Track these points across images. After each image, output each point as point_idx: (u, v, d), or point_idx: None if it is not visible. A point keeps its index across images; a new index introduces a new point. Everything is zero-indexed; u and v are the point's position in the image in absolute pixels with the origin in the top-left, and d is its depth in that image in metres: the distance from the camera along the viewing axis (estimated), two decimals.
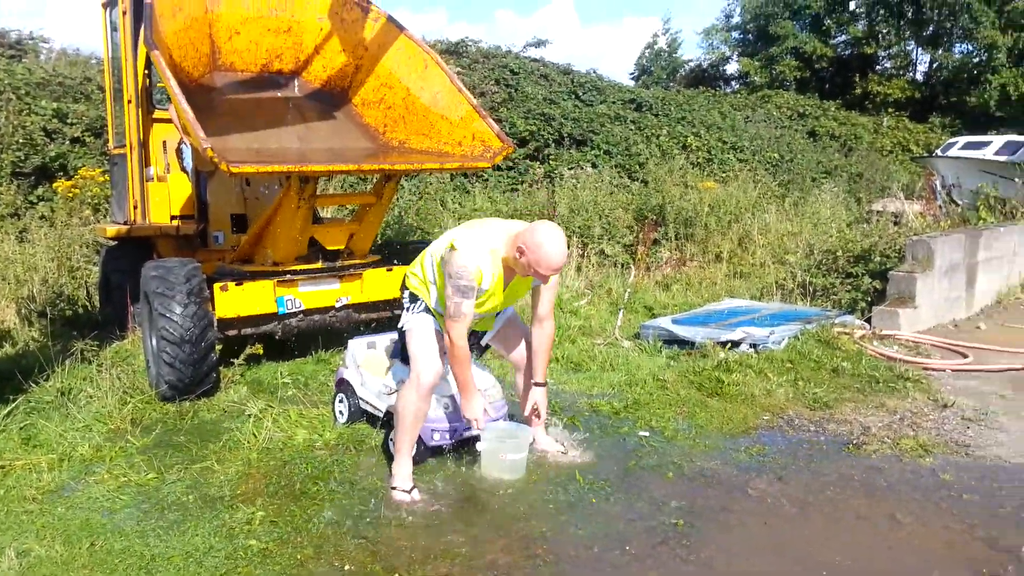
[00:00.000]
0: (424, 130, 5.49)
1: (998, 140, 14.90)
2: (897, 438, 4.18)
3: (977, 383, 5.19)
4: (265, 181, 5.93)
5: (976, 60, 26.57)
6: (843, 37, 30.64)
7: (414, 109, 5.58)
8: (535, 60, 17.13)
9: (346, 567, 2.90)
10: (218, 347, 4.85)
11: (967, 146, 15.07)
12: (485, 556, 2.99)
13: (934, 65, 28.95)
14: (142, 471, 3.67)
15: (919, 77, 29.95)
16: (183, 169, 6.07)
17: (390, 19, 5.71)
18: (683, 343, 5.83)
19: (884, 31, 29.14)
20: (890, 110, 25.73)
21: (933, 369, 5.42)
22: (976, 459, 3.97)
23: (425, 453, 3.85)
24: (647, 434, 4.26)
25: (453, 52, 15.89)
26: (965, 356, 5.66)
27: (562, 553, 3.03)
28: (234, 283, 4.91)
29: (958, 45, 28.89)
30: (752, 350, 5.54)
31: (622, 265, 8.89)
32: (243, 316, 4.96)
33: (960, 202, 10.84)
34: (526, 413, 3.80)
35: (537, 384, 3.72)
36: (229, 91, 5.59)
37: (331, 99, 5.89)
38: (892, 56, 30.76)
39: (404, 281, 3.81)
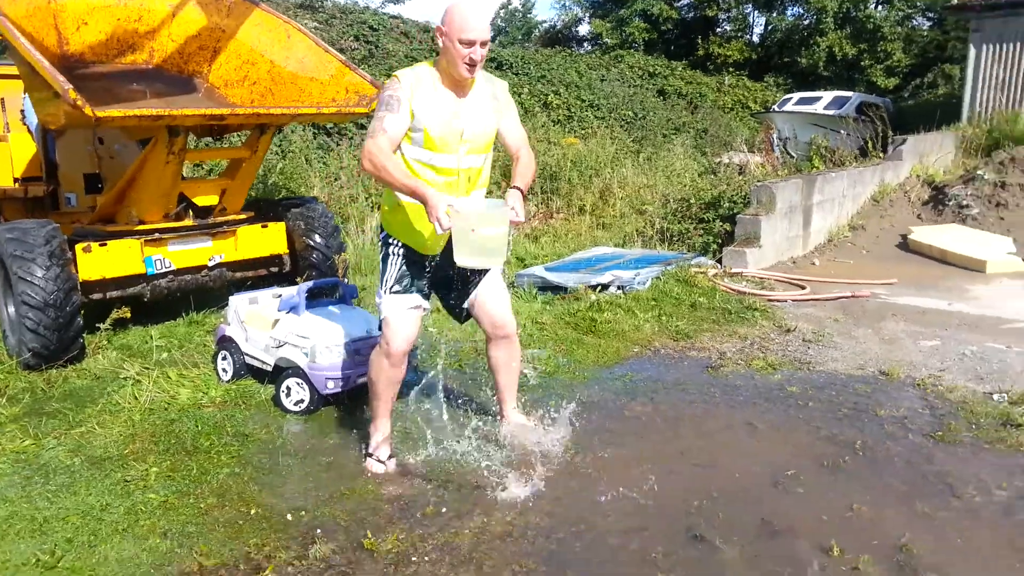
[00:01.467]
0: (295, 96, 5.39)
1: (827, 96, 16.30)
2: (749, 360, 4.67)
3: (814, 310, 5.83)
4: (122, 138, 5.62)
5: (807, 23, 28.62)
6: (687, 0, 32.08)
7: (281, 79, 5.46)
8: (394, 17, 16.86)
9: (252, 511, 2.95)
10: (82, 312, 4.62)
11: (800, 102, 16.39)
12: (391, 494, 3.11)
13: (769, 27, 30.90)
14: (17, 439, 3.50)
15: (755, 39, 31.89)
16: (27, 128, 5.64)
17: None
18: (557, 289, 6.13)
19: None
20: (730, 70, 27.31)
21: (777, 300, 6.03)
22: (816, 373, 4.51)
23: (320, 401, 3.91)
24: (531, 371, 4.50)
25: (307, 7, 15.35)
26: (803, 288, 6.32)
27: (472, 472, 3.21)
28: (98, 244, 4.68)
29: (791, 8, 31.00)
30: (620, 291, 5.92)
31: None
32: (109, 278, 4.74)
33: (795, 153, 11.84)
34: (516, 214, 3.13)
35: (515, 187, 3.16)
36: (81, 85, 5.22)
37: (192, 85, 5.62)
38: (732, 19, 32.54)
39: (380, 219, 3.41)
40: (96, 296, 4.75)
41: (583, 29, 35.94)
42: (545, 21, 38.08)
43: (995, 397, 4.06)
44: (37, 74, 4.02)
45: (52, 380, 4.26)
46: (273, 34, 5.55)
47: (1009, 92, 11.45)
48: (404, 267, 3.19)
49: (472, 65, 2.94)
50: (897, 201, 8.95)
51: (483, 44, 2.91)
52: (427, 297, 3.30)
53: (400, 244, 3.20)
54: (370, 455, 3.32)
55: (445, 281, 3.34)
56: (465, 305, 3.41)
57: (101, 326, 4.71)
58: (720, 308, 5.67)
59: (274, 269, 5.64)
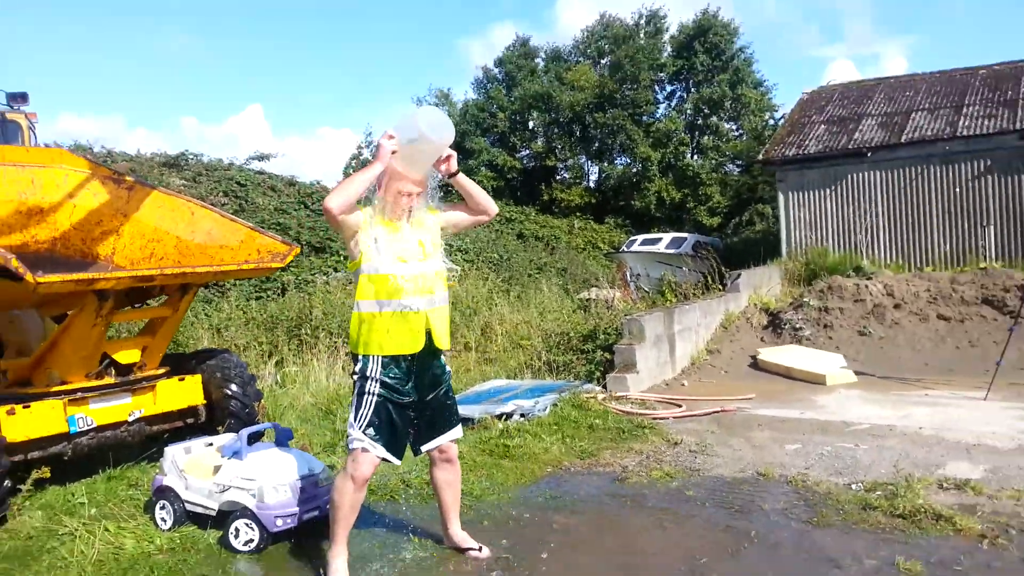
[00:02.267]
0: (206, 263, 5.72)
1: (666, 236, 18.32)
2: (649, 471, 5.30)
3: (693, 424, 6.62)
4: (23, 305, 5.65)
5: (635, 171, 32.00)
6: (527, 151, 35.03)
7: (189, 251, 5.78)
8: (259, 172, 17.38)
9: None
10: None
11: (644, 242, 18.28)
12: None
13: (603, 175, 34.19)
14: None
15: (592, 185, 35.08)
16: None
17: (142, 183, 6.04)
18: (464, 420, 6.56)
19: (560, 146, 33.92)
20: (577, 213, 29.79)
21: (660, 418, 6.79)
22: (706, 478, 5.19)
23: (269, 539, 4.07)
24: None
25: (173, 166, 15.60)
26: (680, 406, 7.15)
27: None
28: (21, 406, 4.68)
29: (619, 158, 34.59)
30: (523, 418, 6.46)
31: None
32: (32, 439, 4.72)
33: (647, 288, 13.20)
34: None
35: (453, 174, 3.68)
36: None
37: (98, 265, 5.83)
38: (569, 168, 35.75)
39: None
40: (18, 457, 4.69)
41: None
42: None
43: (853, 487, 4.88)
44: None
45: None
46: (176, 213, 5.92)
47: (816, 231, 13.54)
48: (378, 408, 3.48)
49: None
50: (742, 327, 10.26)
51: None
52: (397, 448, 3.60)
53: (378, 379, 3.47)
54: None
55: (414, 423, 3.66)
56: (425, 448, 3.75)
57: (22, 487, 4.63)
58: (614, 428, 6.34)
59: (190, 420, 5.74)
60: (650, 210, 28.78)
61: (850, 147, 13.56)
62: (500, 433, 6.05)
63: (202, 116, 71.93)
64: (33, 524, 4.37)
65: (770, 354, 9.05)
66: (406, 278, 3.45)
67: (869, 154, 13.17)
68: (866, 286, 10.46)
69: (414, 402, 3.60)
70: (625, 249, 17.95)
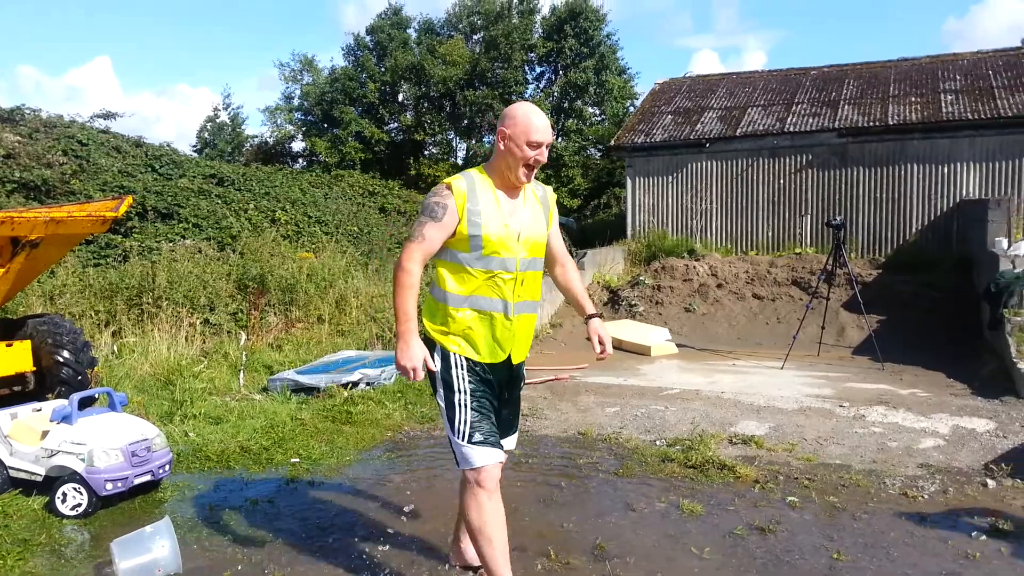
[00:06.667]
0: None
1: None
2: None
3: (529, 391, 7.10)
4: None
5: None
6: (396, 124, 34.81)
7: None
8: (103, 131, 16.42)
9: None
10: None
11: None
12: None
13: (470, 152, 34.55)
14: None
15: (459, 161, 35.36)
16: None
17: None
18: (310, 390, 6.74)
19: (429, 121, 33.93)
20: None
21: None
22: (534, 438, 5.66)
23: (98, 504, 4.14)
24: (297, 460, 5.09)
25: (7, 120, 14.49)
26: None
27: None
28: None
29: (487, 137, 35.02)
30: (369, 387, 6.71)
31: (229, 332, 9.38)
32: None
33: None
34: (596, 348, 3.20)
35: (591, 316, 3.23)
36: None
37: None
38: (437, 143, 35.85)
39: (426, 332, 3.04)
40: None
41: (296, 146, 37.02)
42: (256, 136, 38.53)
43: (657, 443, 5.50)
44: None
45: None
46: None
47: (658, 215, 14.48)
48: (477, 409, 2.92)
49: (531, 168, 2.92)
50: None
51: (548, 146, 2.92)
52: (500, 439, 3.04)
53: (466, 378, 2.93)
54: None
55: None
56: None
57: None
58: None
59: (18, 388, 5.59)
60: None
61: (691, 137, 14.55)
62: (344, 401, 6.28)
63: (43, 66, 65.85)
64: None
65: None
66: None
67: (708, 145, 14.20)
68: (695, 267, 11.40)
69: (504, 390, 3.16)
70: None
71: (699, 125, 15.08)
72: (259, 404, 6.49)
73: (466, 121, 34.31)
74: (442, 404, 2.96)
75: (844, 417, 6.03)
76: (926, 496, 4.35)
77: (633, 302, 10.77)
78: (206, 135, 39.13)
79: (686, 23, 66.60)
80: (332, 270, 11.44)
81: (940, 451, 5.17)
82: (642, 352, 8.99)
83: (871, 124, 13.23)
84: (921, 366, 8.07)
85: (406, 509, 4.23)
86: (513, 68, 32.66)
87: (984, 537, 3.76)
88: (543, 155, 2.89)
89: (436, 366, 2.94)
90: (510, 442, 3.26)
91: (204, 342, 8.74)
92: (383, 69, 34.06)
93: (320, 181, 20.37)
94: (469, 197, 2.87)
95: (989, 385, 6.92)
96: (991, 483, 4.51)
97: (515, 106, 2.94)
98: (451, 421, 2.92)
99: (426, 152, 35.47)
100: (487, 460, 2.87)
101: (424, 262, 2.86)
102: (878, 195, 12.95)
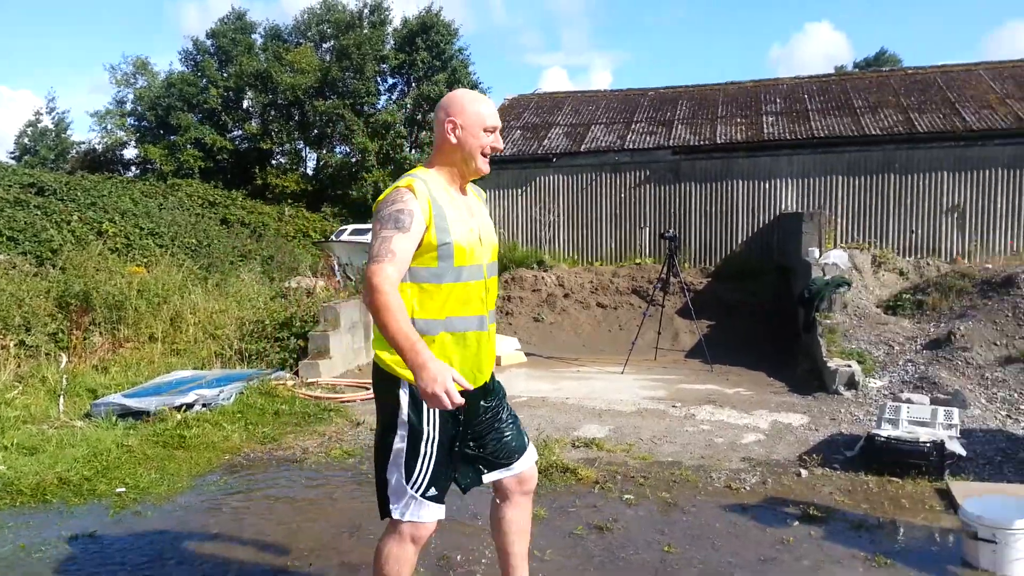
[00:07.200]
0: None
1: None
2: (328, 451, 5.58)
3: (362, 407, 7.00)
4: None
5: (354, 160, 32.06)
6: (240, 132, 33.45)
7: None
8: None
9: None
10: None
11: (354, 232, 18.49)
12: None
13: (320, 163, 33.77)
14: None
15: (309, 172, 34.47)
16: None
17: None
18: (139, 414, 6.30)
19: (277, 129, 32.86)
20: (289, 200, 29.07)
21: (348, 401, 7.09)
22: (369, 458, 5.59)
23: None
24: (123, 490, 4.75)
25: None
26: (367, 388, 7.51)
27: None
28: None
29: (339, 147, 34.41)
30: (205, 408, 6.37)
31: (48, 354, 8.61)
32: None
33: (353, 277, 13.44)
34: None
35: None
36: None
37: None
38: (285, 152, 34.78)
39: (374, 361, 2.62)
40: None
41: (129, 153, 34.73)
42: (83, 143, 35.83)
43: None
44: None
45: None
46: None
47: (508, 227, 14.77)
48: (441, 461, 2.57)
49: (487, 157, 2.62)
50: None
51: (500, 131, 2.67)
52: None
53: (437, 423, 2.53)
54: None
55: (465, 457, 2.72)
56: (488, 479, 2.80)
57: None
58: (300, 413, 6.51)
59: None
60: (367, 200, 29.06)
61: (539, 152, 14.97)
62: (177, 424, 5.93)
63: None
64: None
65: None
66: None
67: (555, 160, 14.66)
68: (543, 277, 11.73)
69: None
70: (334, 238, 18.04)
71: (546, 140, 15.54)
72: (81, 431, 6.00)
73: (316, 130, 33.54)
74: (399, 446, 2.51)
75: (676, 417, 6.41)
76: (747, 488, 4.71)
77: None
78: (26, 141, 35.95)
79: (537, 41, 68.72)
80: (167, 285, 10.77)
81: (760, 445, 5.61)
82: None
83: (701, 143, 14.18)
84: (745, 367, 8.71)
85: (245, 536, 4.05)
86: (365, 79, 32.32)
87: (797, 523, 4.11)
88: (499, 141, 2.63)
89: (403, 406, 2.50)
90: (529, 458, 2.90)
91: (19, 366, 7.96)
92: (226, 75, 32.67)
93: (154, 190, 19.20)
94: (432, 201, 2.48)
95: (803, 383, 7.59)
96: (804, 472, 4.93)
97: (457, 94, 2.64)
98: (408, 469, 2.51)
99: (273, 161, 34.32)
100: (432, 517, 2.58)
101: (399, 281, 2.38)
102: (708, 209, 13.88)
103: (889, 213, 13.05)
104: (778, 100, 15.72)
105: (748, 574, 3.55)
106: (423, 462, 2.53)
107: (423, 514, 2.55)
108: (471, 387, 2.39)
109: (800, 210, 12.88)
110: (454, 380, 2.26)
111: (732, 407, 6.72)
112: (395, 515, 2.55)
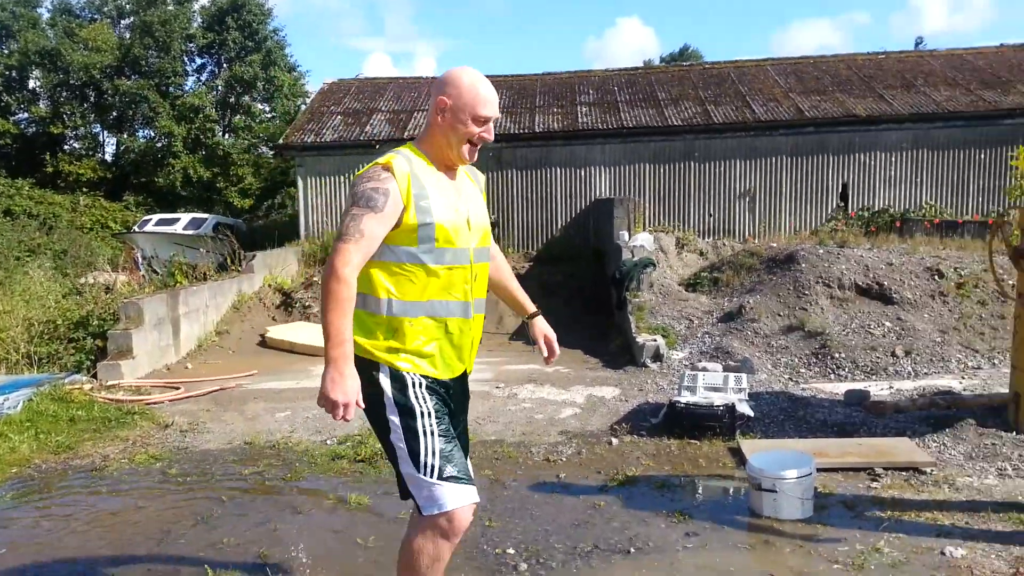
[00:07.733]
0: None
1: (185, 217, 17.56)
2: (132, 456, 5.21)
3: (189, 406, 6.64)
4: None
5: (160, 145, 29.80)
6: (26, 115, 30.10)
7: None
8: None
9: None
10: None
11: (160, 223, 17.23)
12: None
13: (121, 148, 31.08)
14: None
15: (108, 158, 31.65)
16: None
17: None
18: None
19: (69, 112, 29.85)
20: (84, 189, 26.57)
21: (155, 402, 6.64)
22: (193, 454, 5.30)
23: None
24: None
25: None
26: (178, 388, 7.08)
27: None
28: None
29: (142, 131, 31.83)
30: None
31: None
32: None
33: (159, 271, 12.57)
34: (544, 351, 2.85)
35: (534, 315, 2.93)
36: None
37: None
38: (80, 137, 31.67)
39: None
40: None
41: None
42: None
43: (327, 442, 5.50)
44: None
45: None
46: None
47: (331, 215, 14.42)
48: (445, 435, 2.40)
49: (475, 146, 2.46)
50: (255, 307, 10.49)
51: (496, 122, 2.50)
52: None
53: (427, 399, 2.40)
54: None
55: None
56: None
57: None
58: (100, 418, 6.02)
59: None
60: (175, 188, 27.17)
61: (362, 139, 14.73)
62: None
63: None
64: None
65: (277, 331, 9.47)
66: None
67: (377, 147, 14.47)
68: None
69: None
70: (137, 230, 16.73)
71: (368, 127, 15.31)
72: None
73: (116, 113, 30.85)
74: (399, 433, 2.35)
75: (500, 397, 6.60)
76: (564, 459, 4.95)
77: (307, 303, 10.62)
78: None
79: (358, 24, 67.21)
80: None
81: (577, 418, 5.91)
82: (315, 354, 8.88)
83: (521, 131, 14.57)
84: (565, 346, 8.91)
85: (41, 556, 3.70)
86: (171, 58, 30.12)
87: (608, 488, 4.39)
88: (490, 132, 2.45)
89: (387, 389, 2.36)
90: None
91: None
92: (7, 52, 29.26)
93: None
94: (413, 179, 2.34)
95: (616, 358, 8.06)
96: (615, 441, 5.26)
97: (459, 71, 2.45)
98: (414, 453, 2.33)
99: (66, 147, 31.20)
100: (463, 500, 2.34)
101: (362, 265, 2.29)
102: (529, 195, 14.32)
103: (690, 198, 14.11)
104: (591, 92, 16.46)
105: (563, 539, 3.74)
106: (426, 440, 2.35)
107: (448, 500, 2.32)
108: (436, 378, 2.40)
109: (613, 196, 13.61)
110: (432, 373, 2.38)
111: (552, 384, 7.01)
112: (424, 512, 2.36)
